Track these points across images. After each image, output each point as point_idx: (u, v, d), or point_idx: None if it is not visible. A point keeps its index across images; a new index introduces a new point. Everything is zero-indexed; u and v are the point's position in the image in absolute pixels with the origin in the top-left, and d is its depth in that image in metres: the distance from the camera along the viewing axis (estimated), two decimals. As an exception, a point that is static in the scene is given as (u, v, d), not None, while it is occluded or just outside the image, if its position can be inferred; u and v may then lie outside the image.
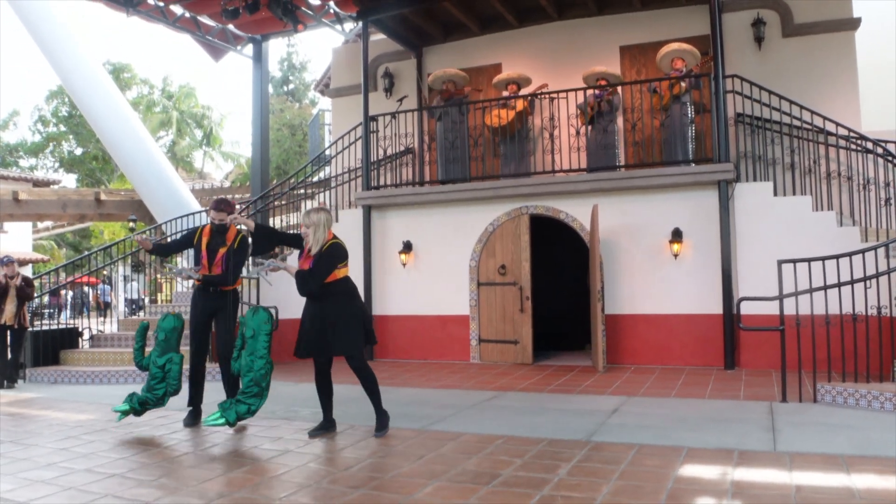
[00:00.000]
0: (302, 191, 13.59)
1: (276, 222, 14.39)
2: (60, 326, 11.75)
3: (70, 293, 25.83)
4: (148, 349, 6.92)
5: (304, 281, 5.68)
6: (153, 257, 14.98)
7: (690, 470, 4.67)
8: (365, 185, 11.68)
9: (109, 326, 13.71)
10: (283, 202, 13.39)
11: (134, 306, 22.41)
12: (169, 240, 7.07)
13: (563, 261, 12.51)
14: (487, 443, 5.55)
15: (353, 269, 11.67)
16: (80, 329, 11.54)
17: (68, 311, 23.97)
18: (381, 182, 12.21)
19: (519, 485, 4.41)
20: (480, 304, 10.79)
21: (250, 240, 6.49)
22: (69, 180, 43.49)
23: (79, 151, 43.53)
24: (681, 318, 9.87)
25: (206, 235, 6.66)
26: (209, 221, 6.68)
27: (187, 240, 6.81)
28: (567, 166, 10.81)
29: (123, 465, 5.18)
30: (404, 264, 11.26)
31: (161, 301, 14.52)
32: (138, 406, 6.50)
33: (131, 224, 19.85)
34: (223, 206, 6.62)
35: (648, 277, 10.06)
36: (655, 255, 10.05)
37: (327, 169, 14.48)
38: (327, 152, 14.01)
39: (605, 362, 9.82)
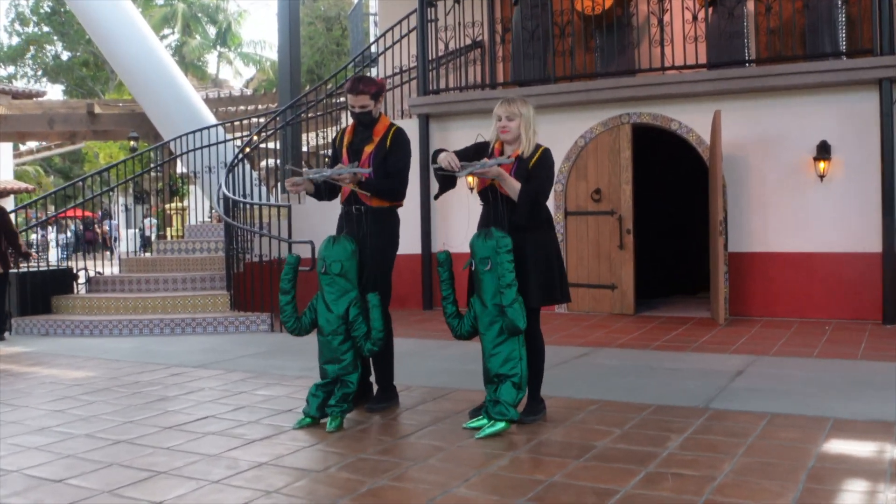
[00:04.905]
0: (342, 98, 13.61)
1: (311, 139, 14.51)
2: (52, 268, 12.12)
3: (111, 223, 26.53)
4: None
5: (535, 202, 5.14)
6: (160, 184, 15.29)
7: (837, 445, 4.65)
8: (421, 90, 11.64)
9: (110, 268, 14.11)
10: (318, 113, 13.45)
11: (146, 242, 23.03)
12: (311, 172, 5.78)
13: (673, 184, 12.35)
14: (578, 409, 5.60)
15: (407, 195, 11.76)
16: (74, 271, 11.88)
17: (59, 250, 24.76)
18: (442, 85, 12.15)
19: (618, 459, 4.44)
20: (568, 238, 10.75)
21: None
22: (55, 92, 44.48)
23: (66, 56, 44.33)
24: (826, 257, 9.71)
25: (348, 134, 5.77)
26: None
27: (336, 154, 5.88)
28: (681, 62, 10.57)
29: (131, 429, 5.37)
30: (472, 188, 11.25)
31: (171, 236, 14.85)
32: (339, 403, 5.35)
33: (132, 143, 20.25)
34: (361, 85, 5.57)
35: (785, 205, 9.90)
36: (795, 176, 9.87)
37: (373, 70, 14.46)
38: (372, 49, 13.97)
39: (728, 313, 9.73)
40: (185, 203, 17.97)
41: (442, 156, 5.14)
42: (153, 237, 19.77)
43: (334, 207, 6.00)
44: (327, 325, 5.35)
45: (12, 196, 32.04)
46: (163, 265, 12.06)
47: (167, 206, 16.00)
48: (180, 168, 16.93)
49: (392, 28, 12.84)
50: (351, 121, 5.81)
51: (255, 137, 13.07)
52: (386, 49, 12.92)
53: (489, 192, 5.27)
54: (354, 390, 5.36)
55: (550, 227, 5.38)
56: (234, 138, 14.66)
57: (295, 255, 5.54)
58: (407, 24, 12.60)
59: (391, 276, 5.73)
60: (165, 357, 8.32)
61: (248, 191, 12.35)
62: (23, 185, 33.20)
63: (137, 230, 24.03)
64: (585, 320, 10.05)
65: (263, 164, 16.07)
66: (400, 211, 5.81)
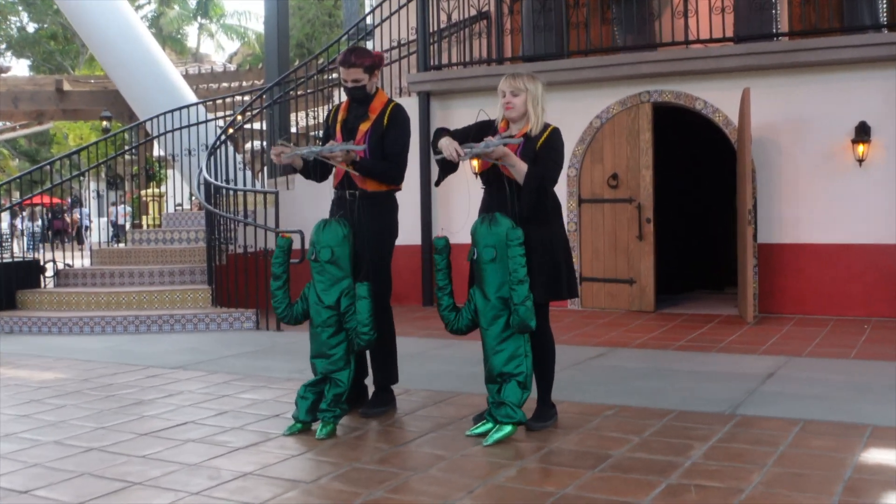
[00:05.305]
0: (334, 75, 13.61)
1: (301, 118, 14.49)
2: (16, 259, 12.12)
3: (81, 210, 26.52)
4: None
5: (542, 188, 5.10)
6: (135, 168, 15.28)
7: (876, 455, 4.66)
8: (422, 65, 11.63)
9: (80, 259, 14.12)
10: (309, 90, 13.44)
11: (119, 232, 23.06)
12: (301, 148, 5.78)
13: (698, 169, 12.33)
14: (593, 414, 5.60)
15: (405, 179, 11.76)
16: (42, 263, 11.88)
17: (25, 240, 24.79)
18: (444, 60, 12.14)
19: (636, 469, 4.44)
20: (582, 228, 10.76)
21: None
22: (21, 67, 44.41)
23: (32, 28, 44.23)
24: (866, 249, 9.72)
25: (342, 111, 5.78)
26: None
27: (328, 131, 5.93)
28: (706, 35, 10.56)
29: (104, 436, 5.37)
30: (477, 173, 11.24)
31: (147, 225, 14.86)
32: (330, 406, 5.32)
33: (105, 123, 20.24)
34: (353, 57, 5.54)
35: (820, 192, 9.91)
36: (831, 160, 9.87)
37: (369, 44, 14.43)
38: (368, 20, 13.95)
39: (757, 310, 9.74)
40: (163, 189, 17.97)
41: (443, 143, 5.12)
42: (128, 226, 19.76)
43: (326, 194, 6.00)
44: (317, 317, 5.33)
45: (-27, 181, 32.05)
46: (138, 257, 12.04)
47: (143, 192, 15.99)
48: (157, 151, 16.91)
49: (389, -4, 12.83)
50: (345, 97, 5.79)
51: (240, 117, 13.05)
52: (383, 20, 12.88)
53: (493, 175, 5.26)
54: (346, 389, 5.31)
55: (558, 216, 5.35)
56: (217, 118, 14.65)
57: (286, 237, 5.50)
58: (406, -7, 12.59)
59: (390, 265, 5.70)
60: (141, 357, 8.31)
61: (231, 175, 12.33)
62: (-15, 168, 33.19)
63: (109, 219, 24.09)
64: (601, 318, 10.06)
65: (248, 146, 16.07)
66: (398, 196, 5.80)
